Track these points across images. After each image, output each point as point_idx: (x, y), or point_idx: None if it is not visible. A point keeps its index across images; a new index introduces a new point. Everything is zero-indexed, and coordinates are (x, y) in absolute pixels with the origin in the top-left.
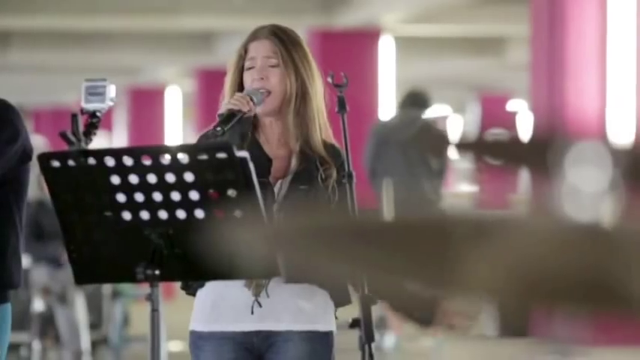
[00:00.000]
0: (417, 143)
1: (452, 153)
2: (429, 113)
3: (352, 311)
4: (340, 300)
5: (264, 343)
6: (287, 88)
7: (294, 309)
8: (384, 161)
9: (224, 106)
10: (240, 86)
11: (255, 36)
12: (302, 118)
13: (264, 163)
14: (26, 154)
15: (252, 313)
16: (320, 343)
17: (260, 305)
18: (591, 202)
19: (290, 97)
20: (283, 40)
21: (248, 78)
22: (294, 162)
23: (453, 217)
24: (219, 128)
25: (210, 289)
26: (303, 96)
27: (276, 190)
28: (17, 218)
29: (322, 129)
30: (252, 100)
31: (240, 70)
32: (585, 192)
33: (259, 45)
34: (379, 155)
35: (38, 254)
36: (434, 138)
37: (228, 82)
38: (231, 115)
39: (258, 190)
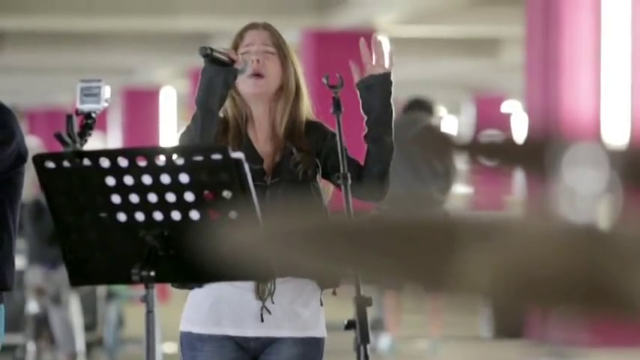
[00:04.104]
0: (420, 144)
1: (455, 154)
2: (433, 118)
3: (347, 313)
4: (327, 283)
5: (260, 347)
6: (284, 79)
7: (293, 316)
8: None
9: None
10: None
11: (252, 26)
12: (294, 113)
13: (257, 163)
14: (21, 156)
15: (262, 320)
16: (313, 349)
17: (269, 312)
18: (587, 203)
19: (285, 91)
20: (280, 35)
21: None
22: (277, 158)
23: (451, 218)
24: (208, 45)
25: (208, 291)
26: (297, 91)
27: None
28: (10, 220)
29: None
30: (240, 59)
31: None
32: (581, 193)
33: (257, 34)
34: None
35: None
36: (436, 139)
37: None
38: (217, 50)
39: (253, 191)
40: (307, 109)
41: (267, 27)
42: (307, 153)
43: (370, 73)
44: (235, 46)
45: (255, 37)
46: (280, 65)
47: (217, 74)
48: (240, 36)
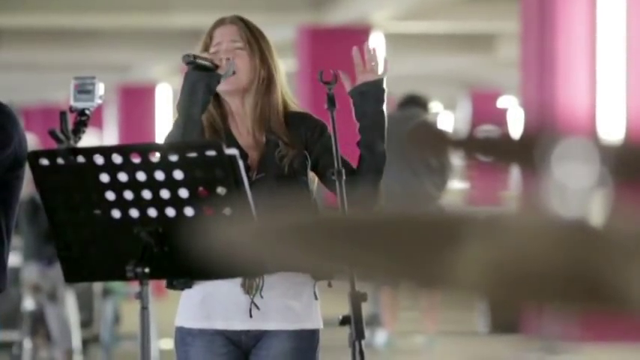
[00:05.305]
0: (415, 140)
1: (451, 150)
2: (428, 114)
3: (342, 308)
4: (320, 275)
5: (252, 340)
6: (254, 73)
7: (284, 308)
8: None
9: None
10: None
11: (220, 22)
12: (267, 105)
13: (242, 159)
14: (17, 160)
15: (251, 316)
16: (306, 341)
17: (258, 307)
18: (580, 198)
19: (258, 82)
20: (249, 26)
21: None
22: (261, 153)
23: (446, 214)
24: (191, 53)
25: (200, 286)
26: (269, 83)
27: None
28: (3, 224)
29: (288, 106)
30: (224, 63)
31: None
32: (574, 189)
33: (225, 30)
34: None
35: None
36: (430, 134)
37: None
38: (200, 57)
39: (248, 187)
40: (289, 99)
41: (234, 21)
42: (292, 145)
43: (362, 81)
44: (206, 47)
45: (224, 35)
46: (249, 59)
47: (200, 79)
48: (209, 36)
